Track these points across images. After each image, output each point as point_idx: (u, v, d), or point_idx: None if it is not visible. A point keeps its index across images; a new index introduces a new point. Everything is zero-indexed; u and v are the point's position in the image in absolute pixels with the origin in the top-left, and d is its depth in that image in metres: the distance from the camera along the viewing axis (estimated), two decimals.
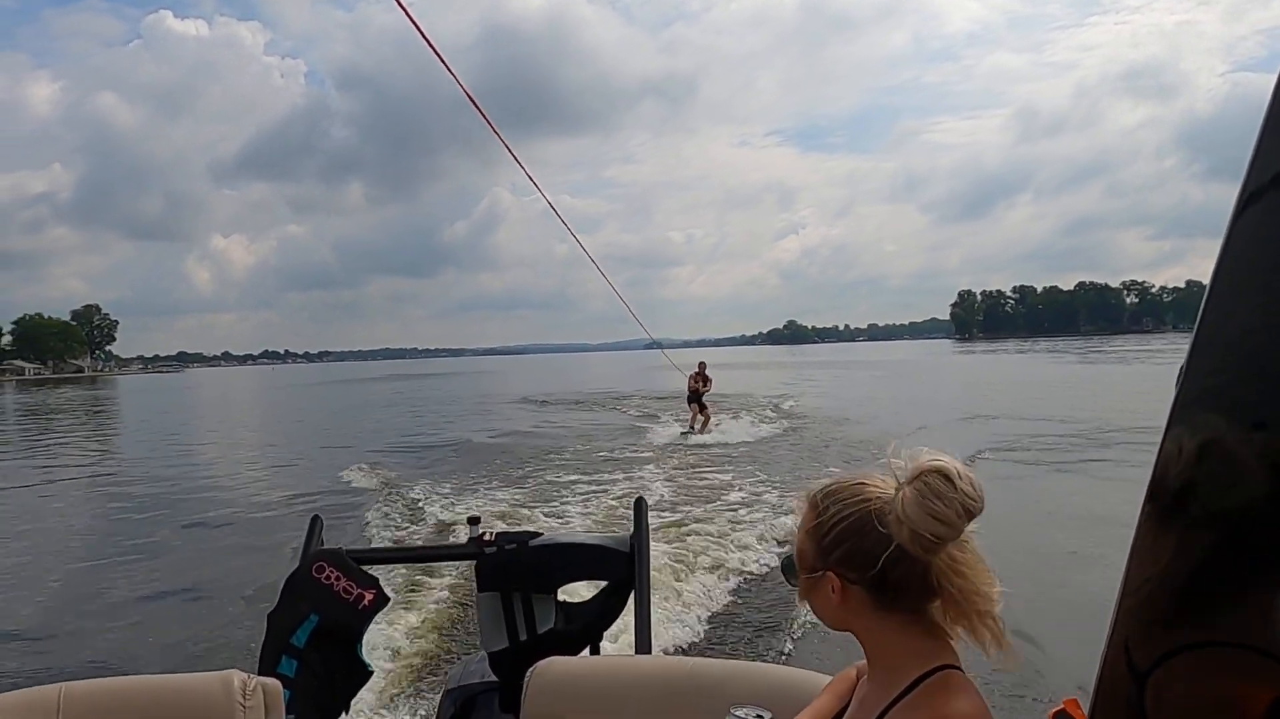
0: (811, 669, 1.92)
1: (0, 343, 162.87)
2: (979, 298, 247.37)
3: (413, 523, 10.30)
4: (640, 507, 2.71)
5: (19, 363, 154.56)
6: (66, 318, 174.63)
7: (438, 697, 2.56)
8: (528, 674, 1.99)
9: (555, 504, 11.04)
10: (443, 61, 3.62)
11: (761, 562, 7.84)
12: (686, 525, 9.20)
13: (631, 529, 2.64)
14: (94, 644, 6.66)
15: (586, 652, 2.59)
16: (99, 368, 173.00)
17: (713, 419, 18.10)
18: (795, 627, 6.14)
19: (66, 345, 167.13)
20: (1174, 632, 1.08)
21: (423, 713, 4.44)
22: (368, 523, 10.43)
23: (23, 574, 9.29)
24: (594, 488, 12.23)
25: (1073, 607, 6.21)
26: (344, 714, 2.50)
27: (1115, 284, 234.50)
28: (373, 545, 2.82)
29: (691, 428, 17.62)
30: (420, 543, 8.52)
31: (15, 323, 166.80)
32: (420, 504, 11.39)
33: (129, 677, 2.02)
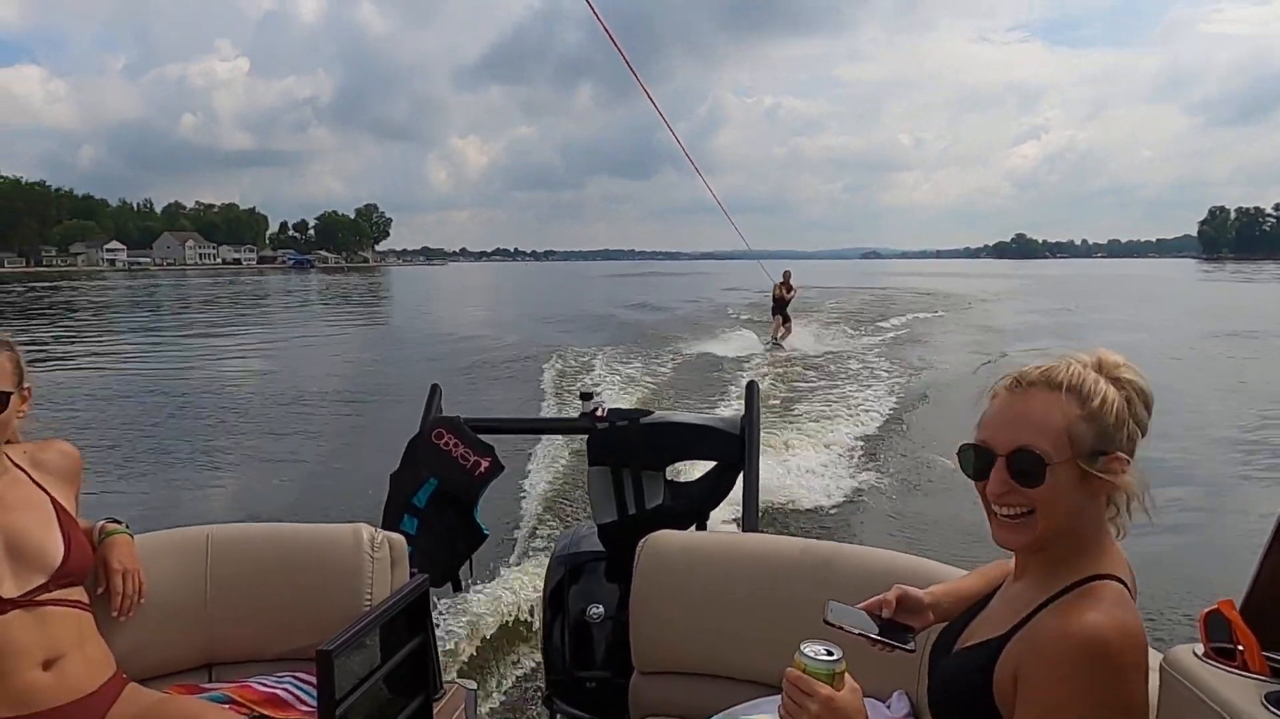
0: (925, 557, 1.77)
1: (307, 234, 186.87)
2: (1233, 214, 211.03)
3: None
4: (752, 390, 2.55)
5: (323, 253, 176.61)
6: (322, 212, 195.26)
7: (547, 562, 2.50)
8: (640, 545, 1.92)
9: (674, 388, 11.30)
10: None
11: (874, 452, 7.51)
12: (803, 411, 8.98)
13: (742, 411, 2.47)
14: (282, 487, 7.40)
15: (694, 529, 2.46)
16: (377, 259, 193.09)
17: (794, 332, 17.34)
18: (907, 515, 5.83)
19: (356, 239, 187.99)
20: None
21: (533, 578, 4.45)
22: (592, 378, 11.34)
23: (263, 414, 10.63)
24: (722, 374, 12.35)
25: (1240, 511, 6.13)
26: (461, 573, 2.54)
27: None
28: (492, 415, 2.78)
29: (774, 338, 16.93)
30: (536, 415, 8.72)
31: (317, 218, 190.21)
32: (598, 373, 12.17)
33: (270, 523, 2.08)
